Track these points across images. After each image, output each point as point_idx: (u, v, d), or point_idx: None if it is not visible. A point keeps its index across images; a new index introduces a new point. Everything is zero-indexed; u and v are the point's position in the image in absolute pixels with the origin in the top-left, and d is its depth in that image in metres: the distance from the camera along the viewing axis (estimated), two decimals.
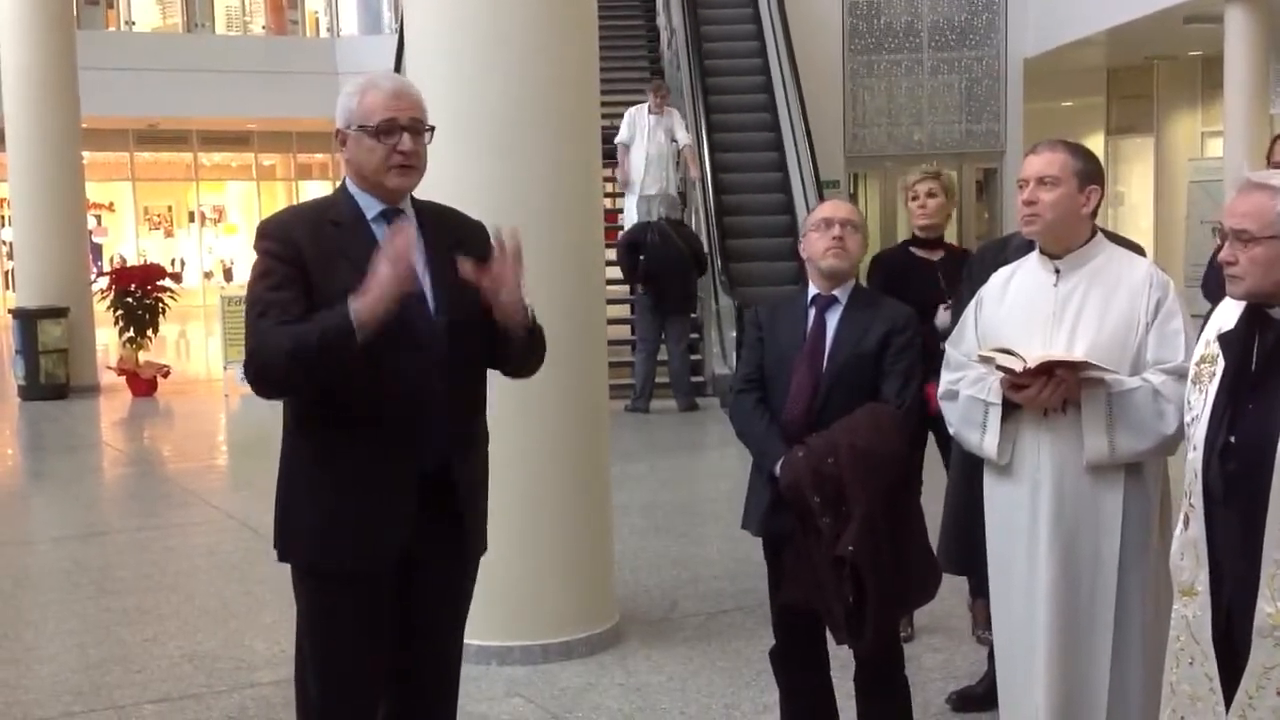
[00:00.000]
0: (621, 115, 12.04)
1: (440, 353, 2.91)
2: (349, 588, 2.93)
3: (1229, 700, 2.77)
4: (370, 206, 2.96)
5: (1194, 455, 2.84)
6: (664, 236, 11.18)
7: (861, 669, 3.64)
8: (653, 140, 11.97)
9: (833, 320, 3.59)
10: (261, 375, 2.85)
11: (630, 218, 11.97)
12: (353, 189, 2.98)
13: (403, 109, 2.92)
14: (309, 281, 2.84)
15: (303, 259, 2.86)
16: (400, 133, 2.90)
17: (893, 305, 3.66)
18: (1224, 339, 2.84)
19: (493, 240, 2.91)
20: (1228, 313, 2.88)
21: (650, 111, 12.06)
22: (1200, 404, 2.86)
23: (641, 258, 11.11)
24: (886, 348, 3.51)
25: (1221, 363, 2.83)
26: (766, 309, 3.77)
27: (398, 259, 2.74)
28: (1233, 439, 2.75)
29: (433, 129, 3.00)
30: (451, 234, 3.04)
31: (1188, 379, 2.98)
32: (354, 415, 2.87)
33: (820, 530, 3.37)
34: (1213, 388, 2.83)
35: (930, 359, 3.74)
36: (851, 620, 3.39)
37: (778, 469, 3.48)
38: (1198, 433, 2.84)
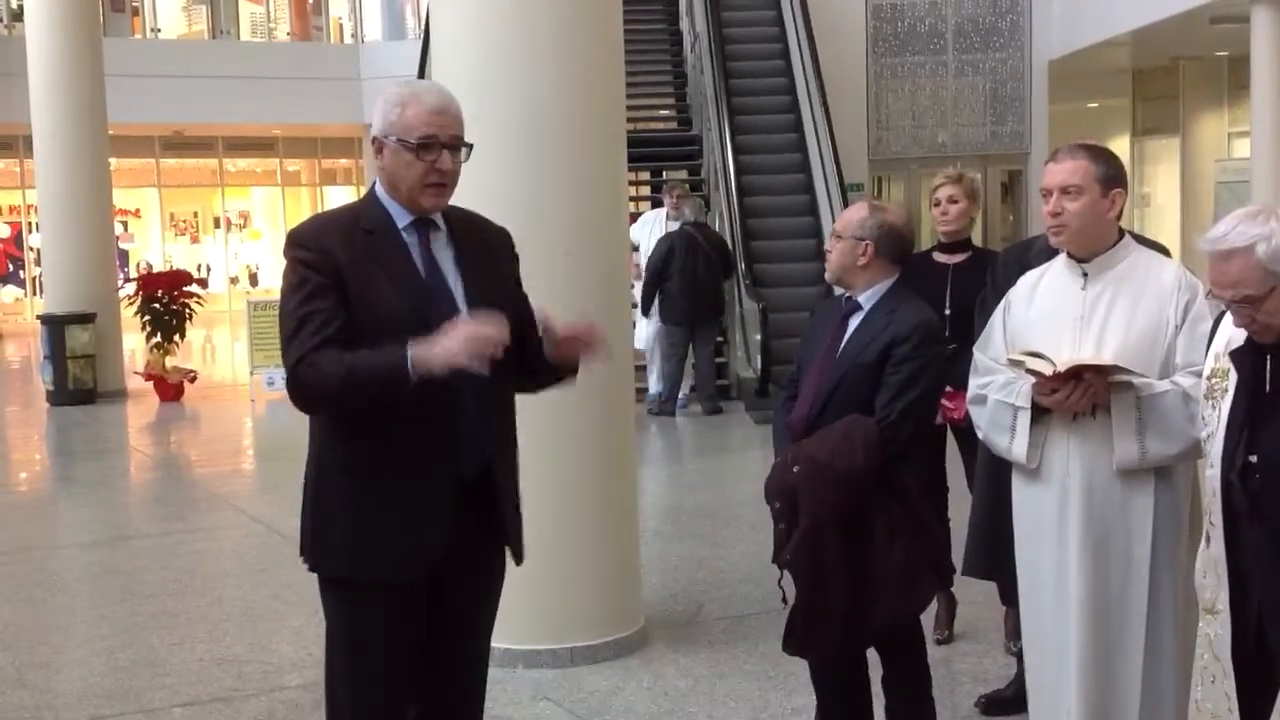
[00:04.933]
0: (644, 119, 11.88)
1: None
2: (382, 597, 2.89)
3: (1245, 718, 2.75)
4: (400, 215, 2.92)
5: (1212, 473, 2.82)
6: (690, 243, 11.05)
7: (887, 673, 3.66)
8: None
9: (853, 327, 3.58)
10: (307, 396, 2.81)
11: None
12: (382, 197, 2.93)
13: (445, 125, 2.86)
14: (345, 290, 2.79)
15: (338, 267, 2.80)
16: (440, 150, 2.85)
17: (908, 313, 3.52)
18: (1235, 355, 2.81)
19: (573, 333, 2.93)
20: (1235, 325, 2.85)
21: (669, 218, 11.77)
22: (1215, 420, 2.83)
23: (660, 297, 10.96)
24: (888, 359, 3.45)
25: (1234, 377, 2.80)
26: (820, 308, 3.80)
27: (481, 343, 2.67)
28: (1253, 458, 2.72)
29: (471, 146, 2.93)
30: (481, 240, 3.03)
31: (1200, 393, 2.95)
32: (388, 423, 2.82)
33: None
34: (1226, 403, 2.80)
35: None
36: (789, 625, 3.47)
37: None
38: (1214, 450, 2.81)
